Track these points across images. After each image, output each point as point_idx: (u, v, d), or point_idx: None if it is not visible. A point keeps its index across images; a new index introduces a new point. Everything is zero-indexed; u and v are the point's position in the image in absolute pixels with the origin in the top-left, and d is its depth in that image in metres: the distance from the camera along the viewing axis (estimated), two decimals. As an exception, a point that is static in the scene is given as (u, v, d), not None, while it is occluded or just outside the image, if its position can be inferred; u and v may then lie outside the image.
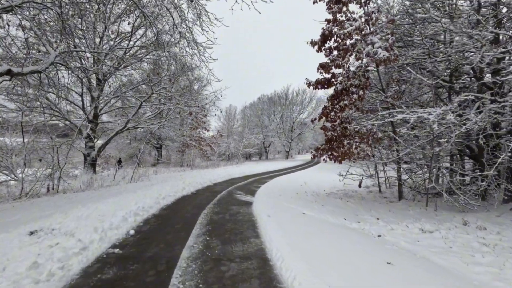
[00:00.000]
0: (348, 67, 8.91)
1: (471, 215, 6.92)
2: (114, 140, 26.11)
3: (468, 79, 9.73)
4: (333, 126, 10.18)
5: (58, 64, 9.41)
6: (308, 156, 58.69)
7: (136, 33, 14.05)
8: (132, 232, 4.87)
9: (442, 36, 9.48)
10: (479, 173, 6.49)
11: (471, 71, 9.43)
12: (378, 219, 7.15)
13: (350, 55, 8.89)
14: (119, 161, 27.91)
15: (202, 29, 8.08)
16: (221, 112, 19.62)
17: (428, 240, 5.17)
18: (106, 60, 14.89)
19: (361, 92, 8.61)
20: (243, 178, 16.02)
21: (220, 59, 9.23)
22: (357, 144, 8.89)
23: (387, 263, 3.67)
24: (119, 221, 5.07)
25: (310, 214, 6.89)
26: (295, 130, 46.88)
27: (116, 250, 4.04)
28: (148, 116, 18.05)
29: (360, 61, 8.86)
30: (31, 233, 4.40)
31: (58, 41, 9.44)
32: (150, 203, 7.06)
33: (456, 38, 9.12)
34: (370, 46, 8.38)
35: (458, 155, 10.07)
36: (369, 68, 9.15)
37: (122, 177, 15.57)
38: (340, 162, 10.07)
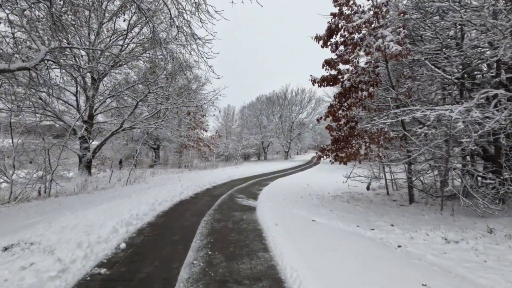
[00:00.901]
0: (358, 62, 8.36)
1: (492, 221, 6.38)
2: (110, 141, 25.43)
3: (480, 75, 9.25)
4: (338, 125, 9.65)
5: (50, 62, 8.86)
6: (306, 156, 58.14)
7: (132, 30, 13.45)
8: (123, 245, 4.26)
9: (452, 32, 9.00)
10: (507, 176, 5.94)
11: (484, 67, 8.96)
12: (392, 225, 6.60)
13: (359, 50, 8.34)
14: (120, 162, 27.44)
15: (201, 21, 7.51)
16: (219, 112, 19.07)
17: (456, 252, 4.62)
18: (101, 58, 14.32)
19: (371, 89, 8.07)
20: (243, 180, 15.44)
21: (220, 56, 8.67)
22: (367, 144, 8.34)
23: (423, 285, 3.11)
24: (108, 232, 4.47)
25: (320, 221, 6.33)
26: (294, 130, 46.33)
27: (103, 270, 3.44)
28: (145, 116, 17.44)
29: (370, 56, 8.32)
30: (5, 248, 3.80)
31: (50, 38, 8.87)
32: (145, 209, 6.46)
33: (467, 32, 8.63)
34: (380, 40, 7.84)
35: (470, 156, 9.54)
36: (378, 64, 8.62)
37: (118, 179, 15.01)
38: (345, 163, 9.54)
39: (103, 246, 4.07)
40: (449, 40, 8.99)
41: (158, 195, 8.75)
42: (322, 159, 9.64)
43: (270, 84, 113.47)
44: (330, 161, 9.41)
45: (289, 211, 7.43)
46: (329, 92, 46.83)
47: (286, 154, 46.76)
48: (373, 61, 8.40)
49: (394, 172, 11.14)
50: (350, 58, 8.41)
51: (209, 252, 4.13)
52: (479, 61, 8.31)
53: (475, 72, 9.11)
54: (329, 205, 9.15)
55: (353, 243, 4.77)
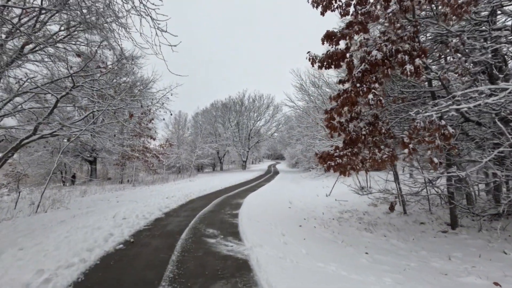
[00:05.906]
0: (397, 19, 5.53)
1: None
2: (28, 153, 19.50)
3: None
4: (340, 123, 6.72)
5: None
6: (263, 166, 55.79)
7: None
8: None
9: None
10: None
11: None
12: (499, 286, 3.73)
13: (395, 3, 5.55)
14: (74, 177, 22.49)
15: None
16: (171, 115, 14.99)
17: None
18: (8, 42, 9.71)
19: (417, 61, 5.29)
20: (205, 200, 11.65)
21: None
22: (411, 146, 5.47)
23: None
24: None
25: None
26: (252, 138, 43.49)
27: None
28: (74, 121, 12.68)
29: (408, 14, 5.61)
30: None
31: None
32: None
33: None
34: (431, -13, 5.15)
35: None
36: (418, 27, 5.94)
37: (31, 203, 10.31)
38: (346, 174, 6.63)
39: None
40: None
41: (60, 244, 4.70)
42: (332, 169, 6.56)
43: (226, 92, 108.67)
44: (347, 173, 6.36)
45: (313, 269, 4.08)
46: (292, 96, 45.11)
47: (244, 163, 43.56)
48: (413, 21, 5.69)
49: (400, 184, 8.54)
50: (385, 14, 5.54)
51: None
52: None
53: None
54: (348, 238, 6.07)
55: None
